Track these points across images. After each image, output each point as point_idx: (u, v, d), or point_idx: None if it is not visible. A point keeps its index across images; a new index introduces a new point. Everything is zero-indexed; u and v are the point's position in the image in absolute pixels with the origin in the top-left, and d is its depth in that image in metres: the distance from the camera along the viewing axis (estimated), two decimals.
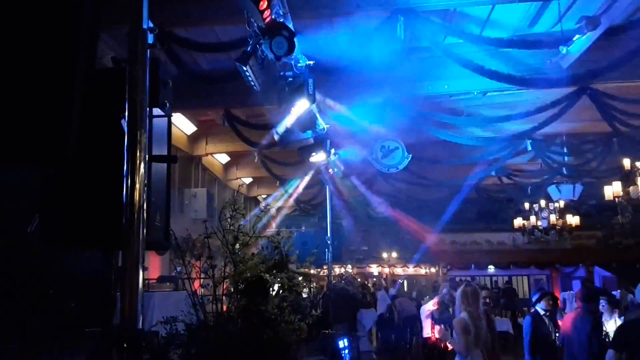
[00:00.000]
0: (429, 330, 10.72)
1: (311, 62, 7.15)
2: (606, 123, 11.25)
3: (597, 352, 5.85)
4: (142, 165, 2.63)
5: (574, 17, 7.83)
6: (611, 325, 7.13)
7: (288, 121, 7.57)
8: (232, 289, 3.81)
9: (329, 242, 10.54)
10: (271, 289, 3.99)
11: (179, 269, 4.67)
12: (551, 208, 17.50)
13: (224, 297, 3.85)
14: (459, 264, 25.78)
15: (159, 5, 7.00)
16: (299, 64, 7.04)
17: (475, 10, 8.95)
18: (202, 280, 4.48)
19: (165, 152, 3.39)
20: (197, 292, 4.17)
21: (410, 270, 26.74)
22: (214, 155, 17.38)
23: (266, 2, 5.40)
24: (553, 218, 17.23)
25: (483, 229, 24.79)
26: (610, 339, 5.83)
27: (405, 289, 21.46)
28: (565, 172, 15.70)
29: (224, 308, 3.92)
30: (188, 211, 15.29)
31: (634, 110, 10.78)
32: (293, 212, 25.16)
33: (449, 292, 10.16)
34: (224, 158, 18.50)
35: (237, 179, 19.13)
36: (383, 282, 22.83)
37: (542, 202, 17.70)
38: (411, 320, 16.74)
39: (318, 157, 10.00)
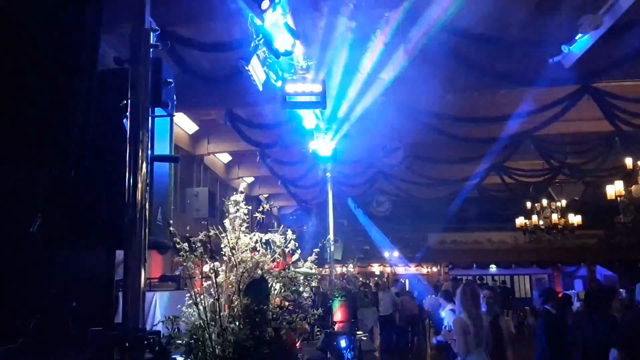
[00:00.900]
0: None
1: (312, 63, 7.17)
2: (608, 122, 11.24)
3: (604, 350, 5.84)
4: (144, 164, 2.63)
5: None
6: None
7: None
8: (233, 288, 3.82)
9: (330, 241, 10.55)
10: (272, 288, 4.00)
11: (180, 268, 4.68)
12: (553, 207, 17.49)
13: (225, 296, 3.86)
14: (460, 264, 25.78)
15: (161, 5, 7.01)
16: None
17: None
18: (203, 279, 4.49)
19: (167, 152, 3.39)
20: (199, 291, 4.17)
21: (412, 269, 26.75)
22: (215, 154, 17.40)
23: (268, 2, 5.40)
24: (555, 217, 17.22)
25: (485, 228, 24.78)
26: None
27: (407, 289, 21.44)
28: (567, 172, 15.69)
29: (226, 307, 3.93)
30: (190, 210, 15.30)
31: (636, 110, 10.77)
32: (295, 211, 25.20)
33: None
34: (225, 157, 18.51)
35: (238, 178, 19.14)
36: (386, 281, 22.83)
37: (544, 202, 17.69)
38: (413, 320, 16.78)
39: (317, 144, 10.01)
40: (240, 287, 3.80)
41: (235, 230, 3.95)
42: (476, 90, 11.70)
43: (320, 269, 12.64)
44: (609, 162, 13.96)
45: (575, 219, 17.33)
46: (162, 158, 3.06)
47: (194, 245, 3.89)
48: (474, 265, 25.95)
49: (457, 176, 16.70)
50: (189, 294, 3.87)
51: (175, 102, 3.31)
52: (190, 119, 14.52)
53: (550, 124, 11.58)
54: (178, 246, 3.88)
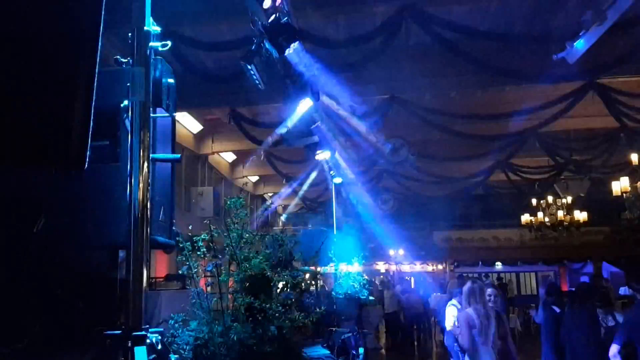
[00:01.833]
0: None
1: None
2: (613, 118, 11.19)
3: (597, 347, 5.84)
4: (146, 165, 2.64)
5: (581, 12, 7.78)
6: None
7: (292, 119, 7.58)
8: (237, 287, 3.83)
9: (334, 239, 10.55)
10: (275, 286, 4.01)
11: (185, 267, 4.69)
12: (559, 204, 17.42)
13: (229, 295, 3.88)
14: (466, 261, 25.72)
15: (164, 4, 7.03)
16: (303, 63, 7.04)
17: None
18: (208, 278, 4.50)
19: (169, 152, 3.40)
20: (204, 290, 4.19)
21: (417, 267, 26.70)
22: (220, 153, 17.43)
23: (270, 1, 5.40)
24: (561, 214, 17.15)
25: (490, 226, 24.71)
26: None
27: (412, 286, 21.42)
28: (572, 168, 15.63)
29: (230, 306, 3.94)
30: (195, 209, 15.35)
31: None
32: (299, 210, 25.20)
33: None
34: (230, 156, 18.54)
35: (243, 177, 19.18)
36: (391, 279, 22.80)
37: (550, 198, 17.62)
38: (418, 318, 16.75)
39: (324, 155, 10.00)
40: (244, 285, 3.81)
41: (239, 229, 3.97)
42: (481, 88, 11.69)
43: (325, 267, 12.66)
44: (615, 159, 13.90)
45: (581, 215, 17.25)
46: (163, 158, 3.07)
47: (197, 245, 3.91)
48: (480, 263, 25.87)
49: (462, 174, 16.67)
50: (193, 293, 3.89)
51: (176, 102, 3.32)
52: (195, 118, 14.55)
53: (555, 121, 11.54)
54: (182, 245, 3.89)
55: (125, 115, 2.76)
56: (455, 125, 12.44)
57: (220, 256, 4.01)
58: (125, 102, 2.74)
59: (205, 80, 9.47)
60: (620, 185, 11.99)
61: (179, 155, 3.41)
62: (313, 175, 15.23)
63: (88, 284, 3.49)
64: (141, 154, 2.63)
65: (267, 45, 5.92)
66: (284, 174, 16.70)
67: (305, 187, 16.84)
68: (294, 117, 7.87)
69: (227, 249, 4.01)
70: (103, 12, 2.09)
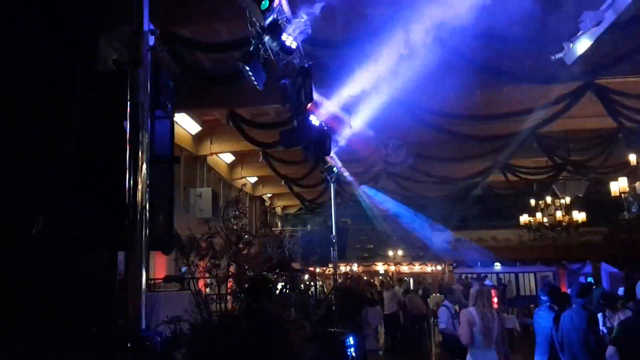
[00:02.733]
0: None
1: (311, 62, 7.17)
2: (611, 119, 11.20)
3: (595, 347, 5.85)
4: (144, 166, 2.65)
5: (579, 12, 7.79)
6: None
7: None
8: (236, 288, 3.83)
9: (334, 240, 10.56)
10: (275, 288, 4.01)
11: (184, 269, 4.69)
12: (557, 204, 17.45)
13: (228, 297, 3.88)
14: (465, 262, 25.72)
15: (161, 6, 7.03)
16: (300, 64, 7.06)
17: None
18: (207, 279, 4.50)
19: (168, 153, 3.40)
20: (203, 291, 4.19)
21: (417, 268, 26.73)
22: (218, 154, 17.42)
23: (268, 2, 5.41)
24: (559, 214, 17.18)
25: (489, 226, 24.74)
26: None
27: (412, 287, 21.44)
28: (571, 169, 15.65)
29: (231, 307, 3.94)
30: (193, 211, 15.33)
31: (639, 105, 10.73)
32: (298, 211, 25.20)
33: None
34: (228, 157, 18.53)
35: (242, 178, 19.16)
36: (390, 280, 22.80)
37: (548, 199, 17.65)
38: (420, 319, 16.75)
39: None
40: (242, 286, 3.81)
41: (237, 230, 3.97)
42: (479, 88, 11.70)
43: (324, 268, 12.66)
44: (613, 159, 13.92)
45: (579, 216, 17.28)
46: (162, 159, 3.07)
47: (196, 245, 3.91)
48: (479, 263, 25.88)
49: (460, 174, 16.68)
50: (192, 294, 3.89)
51: (175, 104, 3.32)
52: (193, 119, 14.54)
53: (553, 121, 11.55)
54: (181, 246, 3.89)
55: (124, 116, 2.76)
56: (454, 126, 12.44)
57: (219, 257, 4.01)
58: (124, 104, 2.75)
59: (204, 82, 9.46)
60: (619, 186, 12.01)
61: (178, 157, 3.41)
62: (311, 176, 15.24)
63: (87, 286, 3.49)
64: (140, 155, 2.64)
65: (268, 43, 5.93)
66: (283, 175, 16.70)
67: (303, 188, 16.86)
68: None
69: (226, 249, 4.01)
70: (102, 14, 2.09)
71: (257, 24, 5.97)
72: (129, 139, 2.66)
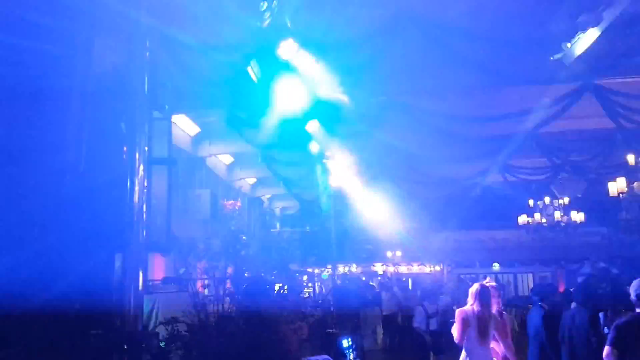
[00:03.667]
0: None
1: None
2: (610, 119, 11.21)
3: (596, 347, 5.84)
4: (142, 167, 2.64)
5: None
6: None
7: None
8: (233, 289, 3.83)
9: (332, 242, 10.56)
10: (272, 289, 4.00)
11: (182, 270, 4.69)
12: (556, 205, 17.46)
13: (225, 298, 3.87)
14: (463, 262, 25.74)
15: (159, 7, 7.02)
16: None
17: None
18: (204, 281, 4.50)
19: (165, 154, 3.40)
20: (201, 292, 4.18)
21: (415, 268, 26.74)
22: (217, 156, 17.39)
23: (266, 4, 5.41)
24: (558, 215, 17.19)
25: (487, 227, 24.74)
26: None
27: (410, 288, 21.43)
28: (569, 169, 15.65)
29: (228, 308, 3.93)
30: (192, 212, 15.31)
31: (637, 106, 10.73)
32: (297, 212, 25.18)
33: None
34: (227, 159, 18.51)
35: (241, 179, 19.13)
36: (389, 281, 22.80)
37: (547, 199, 17.66)
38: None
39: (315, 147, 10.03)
40: (240, 287, 3.81)
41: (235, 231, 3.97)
42: (477, 89, 11.69)
43: (322, 269, 12.65)
44: (611, 159, 13.92)
45: (578, 216, 17.30)
46: (159, 161, 3.07)
47: (194, 247, 3.90)
48: (477, 264, 25.90)
49: (459, 175, 16.67)
50: (189, 295, 3.88)
51: (173, 105, 3.32)
52: (192, 120, 14.52)
53: (552, 122, 11.55)
54: (179, 248, 3.88)
55: (121, 118, 2.75)
56: (452, 127, 12.43)
57: (217, 258, 4.00)
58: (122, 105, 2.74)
59: (202, 83, 9.44)
60: (617, 186, 12.02)
61: (176, 158, 3.40)
62: (310, 177, 15.23)
63: (85, 287, 3.48)
64: (137, 156, 2.64)
65: (263, 47, 5.94)
66: (282, 176, 16.67)
67: (302, 189, 16.83)
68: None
69: (224, 251, 4.00)
70: (98, 15, 2.09)
71: (256, 24, 5.97)
72: (126, 141, 2.66)
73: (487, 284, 6.76)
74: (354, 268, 25.62)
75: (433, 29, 8.21)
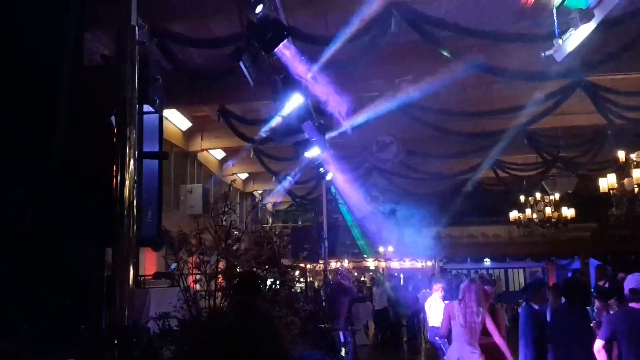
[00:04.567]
0: None
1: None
2: (601, 115, 11.28)
3: (587, 341, 5.88)
4: (132, 162, 2.62)
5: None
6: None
7: (282, 115, 7.59)
8: (225, 284, 3.82)
9: (324, 236, 10.56)
10: (264, 284, 4.00)
11: (173, 265, 4.68)
12: (547, 201, 17.55)
13: (217, 293, 3.86)
14: (455, 258, 25.84)
15: (152, 1, 6.97)
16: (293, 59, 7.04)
17: None
18: (196, 276, 4.49)
19: (156, 149, 3.37)
20: (193, 287, 4.18)
21: (407, 264, 26.83)
22: (209, 150, 17.36)
23: None
24: (548, 211, 17.28)
25: (479, 222, 24.85)
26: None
27: (402, 283, 21.52)
28: (560, 165, 15.74)
29: (220, 303, 3.93)
30: (184, 207, 15.28)
31: (628, 103, 10.80)
32: (290, 207, 25.18)
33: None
34: (219, 153, 18.47)
35: (232, 174, 19.11)
36: (380, 277, 22.87)
37: (538, 195, 17.75)
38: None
39: (313, 152, 10.01)
40: (232, 282, 3.80)
41: (226, 226, 3.96)
42: (469, 85, 11.73)
43: (315, 264, 12.66)
44: (602, 156, 14.02)
45: (568, 212, 17.38)
46: (150, 155, 3.05)
47: (185, 242, 3.89)
48: (469, 259, 26.02)
49: (451, 171, 16.74)
50: (181, 291, 3.87)
51: (164, 99, 3.29)
52: (184, 115, 14.48)
53: (543, 118, 11.61)
54: (170, 243, 3.87)
55: (111, 112, 2.73)
56: (445, 123, 12.47)
57: (208, 253, 4.00)
58: (112, 99, 2.72)
59: (194, 77, 9.40)
60: (607, 182, 12.08)
61: (167, 152, 3.38)
62: (303, 172, 15.23)
63: (75, 282, 3.46)
64: (127, 151, 2.62)
65: (256, 42, 5.91)
66: (274, 171, 16.67)
67: (294, 184, 16.83)
68: (283, 113, 7.87)
69: (216, 246, 3.99)
70: (87, 7, 2.07)
71: (248, 19, 5.94)
72: (116, 135, 2.64)
73: (480, 280, 6.79)
74: (346, 263, 25.66)
75: (423, 24, 8.20)
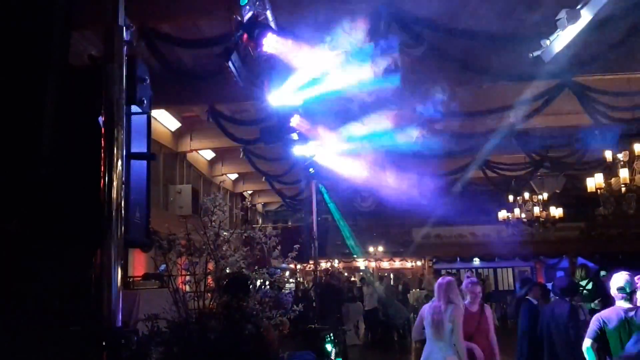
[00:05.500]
0: None
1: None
2: (588, 116, 11.36)
3: (575, 341, 5.93)
4: (120, 162, 2.61)
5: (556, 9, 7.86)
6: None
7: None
8: (214, 286, 3.81)
9: (314, 236, 10.56)
10: (253, 284, 4.00)
11: (162, 266, 4.66)
12: (535, 200, 17.67)
13: (206, 294, 3.85)
14: (444, 257, 25.95)
15: (141, 1, 6.94)
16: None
17: None
18: (185, 277, 4.48)
19: (144, 149, 3.35)
20: (182, 289, 4.16)
21: (397, 264, 26.91)
22: (199, 151, 17.31)
23: None
24: (537, 210, 17.40)
25: (468, 222, 24.96)
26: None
27: (392, 283, 21.56)
28: (548, 165, 15.84)
29: (209, 305, 3.92)
30: (173, 208, 15.22)
31: (615, 103, 10.90)
32: (279, 208, 25.14)
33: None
34: (209, 154, 18.42)
35: (222, 175, 19.07)
36: (370, 276, 22.90)
37: (526, 195, 17.86)
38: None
39: (301, 151, 10.00)
40: (221, 283, 3.79)
41: (215, 227, 3.95)
42: (457, 86, 11.77)
43: (305, 265, 12.65)
44: (589, 156, 14.13)
45: (556, 211, 17.51)
46: (138, 156, 3.03)
47: (175, 243, 3.87)
48: (458, 259, 26.14)
49: (439, 171, 16.79)
50: (170, 292, 3.86)
51: (152, 99, 3.27)
52: (173, 115, 14.42)
53: (531, 118, 11.68)
54: (159, 244, 3.85)
55: (98, 112, 2.71)
56: (432, 123, 12.50)
57: (197, 255, 3.98)
58: (99, 99, 2.70)
59: (183, 77, 9.37)
60: (595, 182, 12.19)
61: (155, 153, 3.36)
62: (292, 172, 15.22)
63: (64, 283, 3.44)
64: (115, 152, 2.60)
65: (245, 41, 5.90)
66: (263, 171, 16.65)
67: (284, 184, 16.82)
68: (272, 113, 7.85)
69: (205, 247, 3.98)
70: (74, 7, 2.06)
71: (237, 19, 5.93)
72: (104, 135, 2.62)
73: (469, 278, 6.78)
74: (336, 263, 25.69)
75: (412, 25, 8.22)
